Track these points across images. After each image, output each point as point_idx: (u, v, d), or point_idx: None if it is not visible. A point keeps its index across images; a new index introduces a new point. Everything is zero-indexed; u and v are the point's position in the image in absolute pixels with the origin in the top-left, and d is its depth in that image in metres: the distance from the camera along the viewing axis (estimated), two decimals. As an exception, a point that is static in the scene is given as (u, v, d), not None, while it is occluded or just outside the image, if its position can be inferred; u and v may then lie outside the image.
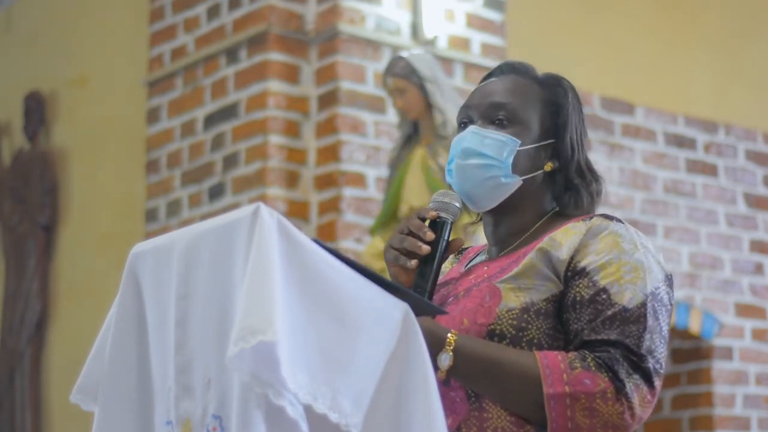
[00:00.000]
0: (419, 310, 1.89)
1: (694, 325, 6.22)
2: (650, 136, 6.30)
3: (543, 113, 2.18)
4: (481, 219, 2.27)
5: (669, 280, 2.09)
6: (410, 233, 2.08)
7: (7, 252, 6.87)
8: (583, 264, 2.04)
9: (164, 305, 1.85)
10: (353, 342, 1.74)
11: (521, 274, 2.06)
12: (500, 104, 2.16)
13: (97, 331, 1.99)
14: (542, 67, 2.27)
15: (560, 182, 2.18)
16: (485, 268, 2.14)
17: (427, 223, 2.09)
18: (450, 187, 2.19)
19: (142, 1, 6.23)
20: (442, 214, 2.10)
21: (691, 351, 6.33)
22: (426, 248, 2.06)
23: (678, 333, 6.27)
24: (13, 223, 6.84)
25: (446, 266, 2.28)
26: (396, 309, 1.79)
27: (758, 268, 6.51)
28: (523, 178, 2.14)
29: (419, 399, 1.75)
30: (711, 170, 6.46)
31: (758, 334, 6.43)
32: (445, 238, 2.09)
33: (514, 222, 2.17)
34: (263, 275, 1.66)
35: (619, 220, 2.10)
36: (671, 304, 2.08)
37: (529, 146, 2.15)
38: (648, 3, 6.49)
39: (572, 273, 2.04)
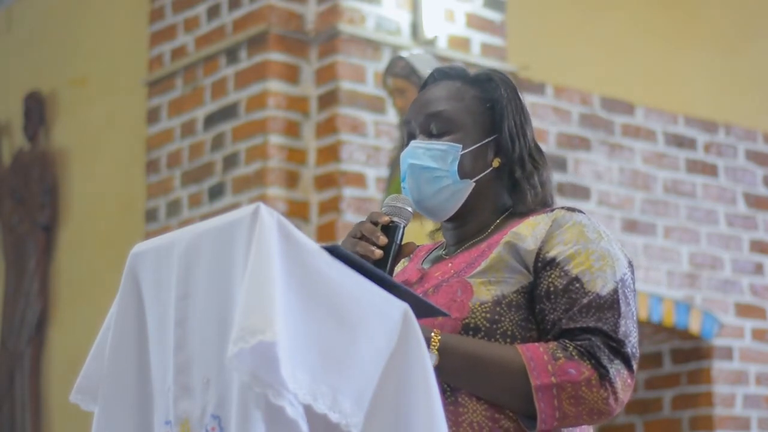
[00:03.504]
0: (420, 310, 1.91)
1: (694, 325, 6.22)
2: (650, 136, 6.30)
3: (478, 112, 2.21)
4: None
5: (631, 266, 2.14)
6: (363, 237, 2.10)
7: (7, 252, 6.87)
8: (552, 254, 2.08)
9: (164, 305, 1.85)
10: (353, 342, 1.74)
11: (490, 268, 2.09)
12: (435, 114, 2.19)
13: (97, 331, 1.99)
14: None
15: (508, 176, 2.21)
16: (449, 264, 2.17)
17: (379, 227, 2.11)
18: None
19: (142, 1, 6.23)
20: (395, 219, 2.13)
21: (691, 351, 6.33)
22: (379, 252, 2.09)
23: (678, 333, 6.27)
24: (13, 223, 6.84)
25: (397, 267, 2.30)
26: (396, 309, 1.79)
27: (758, 268, 6.51)
28: (474, 180, 2.17)
29: (419, 399, 1.76)
30: (711, 170, 6.46)
31: (758, 334, 6.43)
32: (397, 242, 2.13)
33: (473, 221, 2.21)
34: (263, 275, 1.66)
35: (581, 211, 2.14)
36: (635, 289, 2.13)
37: (470, 148, 2.18)
38: (648, 3, 6.49)
39: (542, 264, 2.08)
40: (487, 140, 2.20)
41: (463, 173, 2.17)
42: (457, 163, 2.16)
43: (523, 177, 2.20)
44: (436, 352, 2.00)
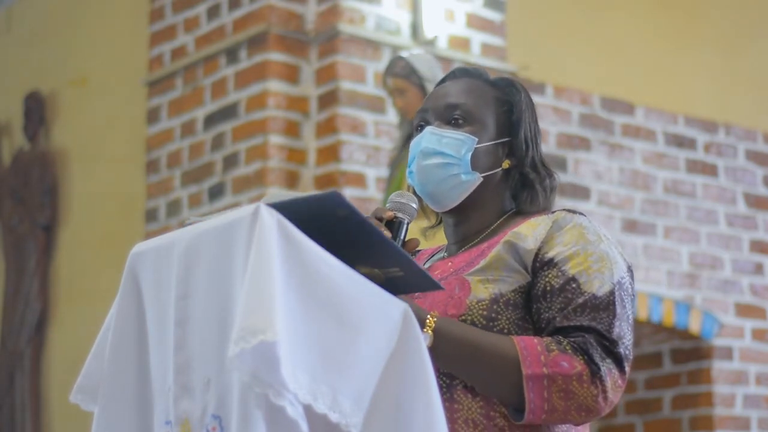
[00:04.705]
0: (417, 281, 1.90)
1: (694, 325, 6.22)
2: (650, 136, 6.30)
3: (497, 112, 2.24)
4: (440, 223, 2.32)
5: (630, 270, 2.14)
6: None
7: (7, 252, 6.87)
8: (550, 255, 2.09)
9: (164, 305, 1.85)
10: (353, 342, 1.74)
11: (489, 266, 2.11)
12: (455, 104, 2.22)
13: (97, 331, 1.99)
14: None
15: (517, 179, 2.23)
16: (449, 263, 2.18)
17: (384, 223, 2.12)
18: (411, 190, 2.24)
19: (142, 1, 6.23)
20: (399, 215, 2.14)
21: (691, 351, 6.33)
22: None
23: (678, 333, 6.27)
24: (13, 223, 6.84)
25: None
26: (395, 309, 1.79)
27: (758, 268, 6.51)
28: (483, 175, 2.19)
29: (419, 399, 1.76)
30: (711, 170, 6.46)
31: (758, 334, 6.43)
32: (402, 238, 2.13)
33: (475, 220, 2.23)
34: (263, 275, 1.66)
35: (582, 214, 2.16)
36: (634, 294, 2.13)
37: (486, 143, 2.20)
38: (648, 3, 6.49)
39: (540, 264, 2.09)
40: (501, 140, 2.22)
41: (474, 166, 2.19)
42: (470, 154, 2.18)
43: (537, 179, 2.22)
44: (431, 333, 2.00)
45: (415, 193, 2.24)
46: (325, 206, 1.78)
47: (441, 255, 2.28)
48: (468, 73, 2.29)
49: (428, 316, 2.02)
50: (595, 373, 1.99)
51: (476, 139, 2.19)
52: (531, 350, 2.00)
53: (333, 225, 1.78)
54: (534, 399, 1.99)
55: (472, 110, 2.21)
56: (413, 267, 1.90)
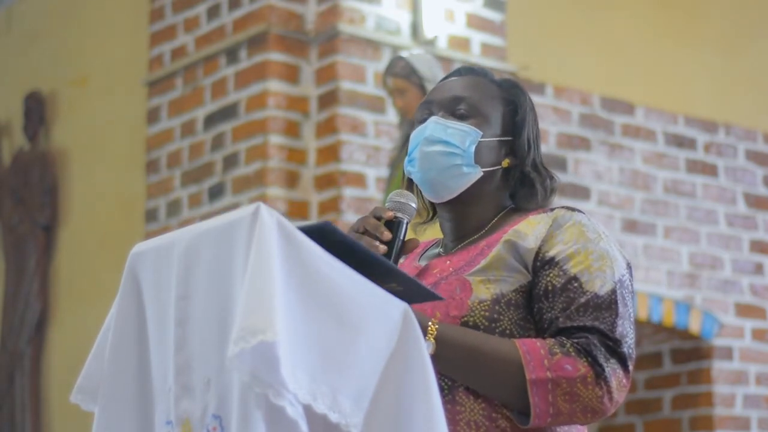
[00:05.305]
0: (415, 294, 1.91)
1: (694, 325, 6.22)
2: (650, 136, 6.30)
3: (502, 110, 2.23)
4: (432, 218, 2.32)
5: (629, 267, 2.14)
6: (366, 232, 2.10)
7: (7, 252, 6.87)
8: (551, 254, 2.09)
9: (164, 305, 1.85)
10: (353, 342, 1.74)
11: (489, 266, 2.10)
12: (461, 97, 2.22)
13: (97, 331, 1.99)
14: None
15: (516, 178, 2.22)
16: (447, 262, 2.18)
17: (383, 222, 2.11)
18: (407, 186, 2.23)
19: (142, 1, 6.23)
20: (399, 214, 2.13)
21: (691, 351, 6.33)
22: (383, 248, 2.09)
23: (678, 333, 6.27)
24: (13, 223, 6.84)
25: None
26: (396, 309, 1.79)
27: (758, 268, 6.51)
28: (484, 170, 2.19)
29: (419, 399, 1.75)
30: (711, 170, 6.46)
31: (758, 334, 6.43)
32: (401, 237, 2.12)
33: (472, 216, 2.22)
34: (263, 275, 1.66)
35: (581, 211, 2.15)
36: (633, 291, 2.13)
37: (490, 139, 2.20)
38: (648, 3, 6.49)
39: (541, 263, 2.09)
40: (504, 138, 2.22)
41: (476, 160, 2.18)
42: (474, 147, 2.18)
43: (537, 178, 2.22)
44: (433, 341, 2.00)
45: (410, 183, 2.24)
46: (318, 235, 1.78)
47: (436, 251, 2.27)
48: (473, 71, 2.28)
49: (429, 323, 2.02)
50: (599, 375, 1.99)
51: (481, 133, 2.19)
52: (534, 354, 1.99)
53: (332, 248, 1.78)
54: (539, 403, 1.98)
55: (477, 105, 2.21)
56: (410, 282, 1.90)
